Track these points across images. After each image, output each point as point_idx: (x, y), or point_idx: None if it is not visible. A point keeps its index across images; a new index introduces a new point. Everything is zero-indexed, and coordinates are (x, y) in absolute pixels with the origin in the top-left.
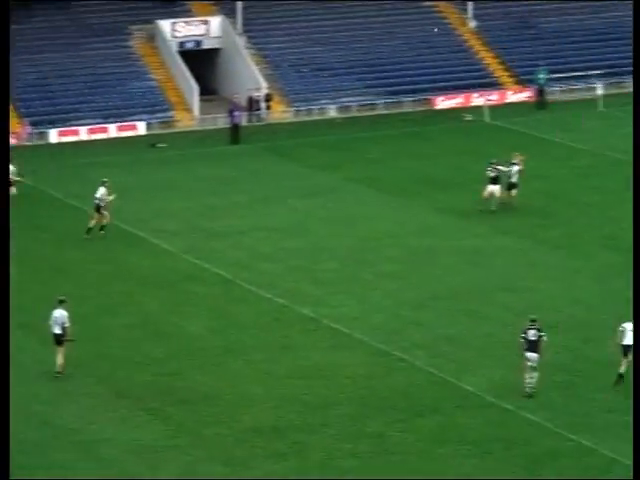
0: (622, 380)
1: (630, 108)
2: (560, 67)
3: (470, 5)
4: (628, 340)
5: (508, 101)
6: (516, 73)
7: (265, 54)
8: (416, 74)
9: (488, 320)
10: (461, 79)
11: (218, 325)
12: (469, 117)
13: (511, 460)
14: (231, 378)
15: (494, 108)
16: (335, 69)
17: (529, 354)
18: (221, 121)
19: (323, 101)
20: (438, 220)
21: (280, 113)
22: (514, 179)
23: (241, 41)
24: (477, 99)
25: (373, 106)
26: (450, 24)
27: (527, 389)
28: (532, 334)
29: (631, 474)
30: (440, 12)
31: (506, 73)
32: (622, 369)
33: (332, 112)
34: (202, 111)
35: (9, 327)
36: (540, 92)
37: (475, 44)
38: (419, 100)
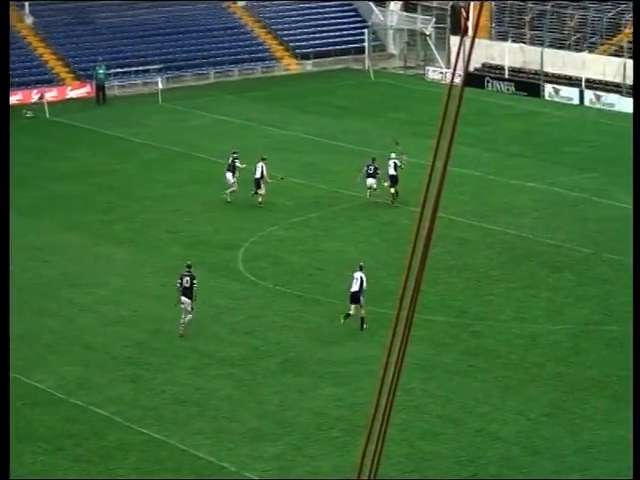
0: (349, 317)
1: (189, 102)
2: (119, 62)
3: (27, 1)
4: (355, 287)
5: (68, 97)
6: (75, 69)
7: None
8: None
9: (54, 316)
10: (20, 76)
11: None
12: (29, 114)
13: (83, 455)
14: None
15: (54, 104)
16: None
17: (183, 298)
18: None
19: None
20: None
21: None
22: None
23: None
24: (36, 95)
25: None
26: None
27: (181, 330)
28: (186, 280)
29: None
30: None
31: (65, 69)
32: (351, 311)
33: None
34: None
35: (9, 329)
36: (100, 87)
37: (33, 41)
38: None
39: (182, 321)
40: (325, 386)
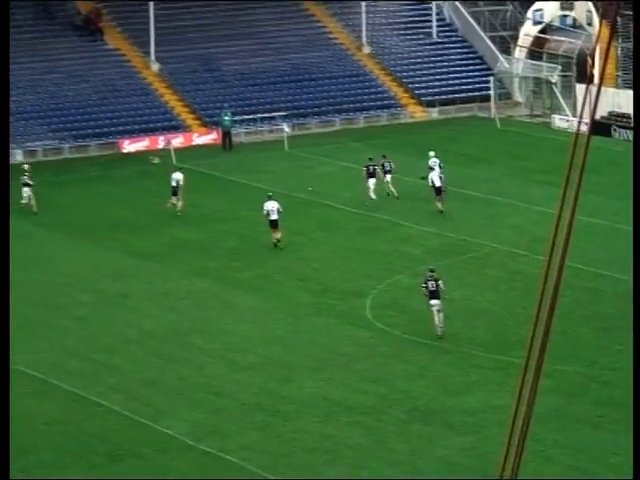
0: None
1: (315, 149)
2: (245, 109)
3: (152, 48)
4: None
5: (194, 143)
6: (201, 115)
7: None
8: (101, 118)
9: (182, 363)
10: (147, 122)
11: None
12: (156, 160)
13: None
14: None
15: (181, 151)
16: (20, 113)
17: (432, 301)
18: None
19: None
20: (129, 263)
21: None
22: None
23: None
24: (163, 142)
25: (59, 150)
26: (133, 67)
27: (438, 331)
28: (431, 285)
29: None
30: (123, 55)
31: (191, 116)
32: None
33: (18, 157)
34: None
35: (9, 327)
36: (226, 134)
37: (159, 87)
38: (105, 144)
39: (438, 323)
40: (455, 435)
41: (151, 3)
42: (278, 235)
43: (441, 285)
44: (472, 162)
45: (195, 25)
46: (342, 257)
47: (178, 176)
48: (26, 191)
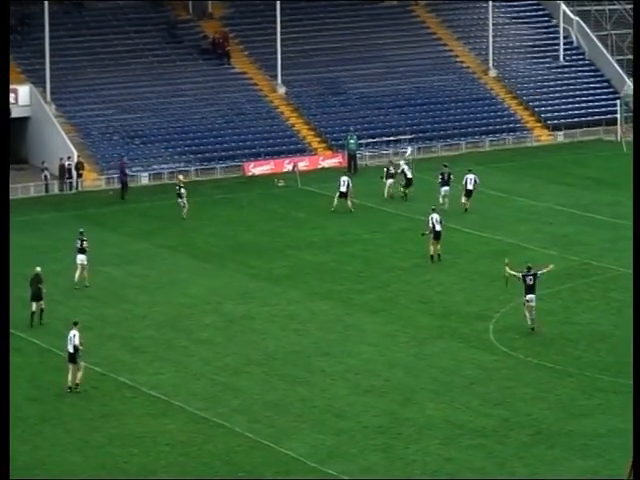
0: None
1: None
2: (370, 132)
3: (279, 71)
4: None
5: (319, 166)
6: (326, 139)
7: (75, 122)
8: (227, 141)
9: (305, 385)
10: (272, 145)
11: (36, 394)
12: (281, 183)
13: None
14: (50, 447)
15: (306, 174)
16: (146, 136)
17: (529, 296)
18: (33, 189)
19: (135, 168)
20: (253, 286)
21: (92, 181)
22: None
23: (50, 109)
24: (288, 165)
25: (185, 173)
26: (260, 90)
27: (532, 325)
28: (529, 279)
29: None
30: (250, 78)
31: (317, 139)
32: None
33: (144, 179)
34: (13, 180)
35: (9, 327)
36: (351, 157)
37: (285, 110)
38: (231, 167)
39: (529, 317)
40: (577, 459)
41: (278, 27)
42: (439, 248)
43: (539, 274)
44: (597, 186)
45: (321, 49)
46: (466, 280)
47: (346, 178)
48: (180, 201)
